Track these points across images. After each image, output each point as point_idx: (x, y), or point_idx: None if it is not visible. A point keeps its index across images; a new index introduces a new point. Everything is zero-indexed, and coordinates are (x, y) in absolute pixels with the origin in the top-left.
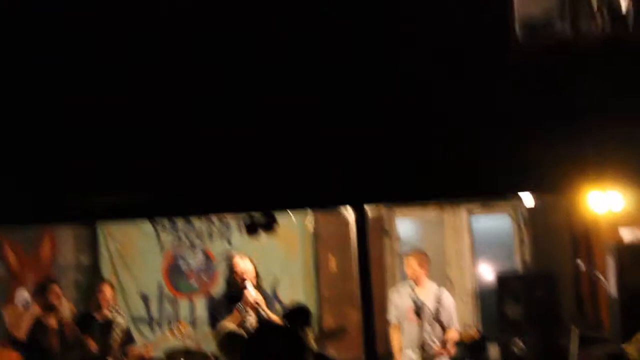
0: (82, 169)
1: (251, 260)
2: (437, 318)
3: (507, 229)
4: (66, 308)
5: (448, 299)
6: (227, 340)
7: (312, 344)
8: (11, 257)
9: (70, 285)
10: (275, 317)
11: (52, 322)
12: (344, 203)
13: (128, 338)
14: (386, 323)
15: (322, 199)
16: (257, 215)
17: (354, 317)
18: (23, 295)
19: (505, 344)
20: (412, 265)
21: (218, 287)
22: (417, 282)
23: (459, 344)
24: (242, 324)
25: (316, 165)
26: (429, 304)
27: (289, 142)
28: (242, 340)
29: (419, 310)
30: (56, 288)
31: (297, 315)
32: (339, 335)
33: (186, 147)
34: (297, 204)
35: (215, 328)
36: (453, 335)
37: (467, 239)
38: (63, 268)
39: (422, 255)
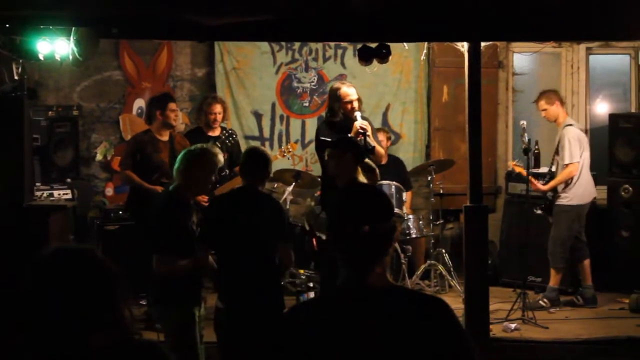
0: None
1: (355, 89)
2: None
3: (625, 70)
4: (179, 121)
5: (564, 139)
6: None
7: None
8: (129, 66)
9: (185, 98)
10: (378, 147)
11: (164, 135)
12: (461, 38)
13: (238, 156)
14: (495, 156)
15: (439, 33)
16: (372, 45)
17: (463, 148)
18: (140, 105)
19: (613, 186)
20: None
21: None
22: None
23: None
24: None
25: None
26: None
27: None
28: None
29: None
30: (172, 104)
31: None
32: (447, 166)
33: None
34: (415, 37)
35: (320, 154)
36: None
37: (584, 76)
38: (178, 80)
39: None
